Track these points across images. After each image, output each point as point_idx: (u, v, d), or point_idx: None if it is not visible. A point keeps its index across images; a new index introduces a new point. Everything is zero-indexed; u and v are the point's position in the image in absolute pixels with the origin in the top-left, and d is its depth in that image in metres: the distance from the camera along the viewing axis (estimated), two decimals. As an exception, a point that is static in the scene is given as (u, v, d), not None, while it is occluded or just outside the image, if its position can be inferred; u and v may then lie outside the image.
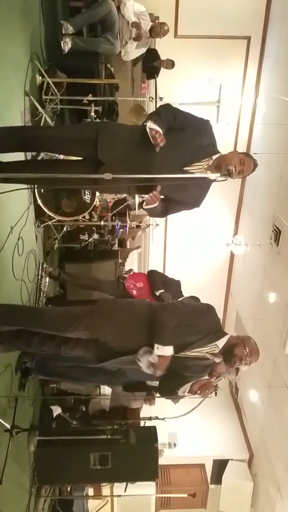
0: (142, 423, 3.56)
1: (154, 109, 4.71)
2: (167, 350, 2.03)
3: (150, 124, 2.02)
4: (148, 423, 3.34)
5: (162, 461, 3.63)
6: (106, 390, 3.77)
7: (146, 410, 3.75)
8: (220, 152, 2.19)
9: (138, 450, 3.31)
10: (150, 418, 3.02)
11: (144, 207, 2.19)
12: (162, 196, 2.14)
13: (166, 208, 2.30)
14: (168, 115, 2.09)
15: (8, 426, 2.49)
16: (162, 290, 3.34)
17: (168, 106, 2.15)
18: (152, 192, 2.07)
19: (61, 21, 3.83)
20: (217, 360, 2.21)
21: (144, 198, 2.18)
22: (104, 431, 3.19)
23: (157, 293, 3.33)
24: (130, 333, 2.14)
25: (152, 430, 3.40)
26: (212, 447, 6.47)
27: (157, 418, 3.12)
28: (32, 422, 3.20)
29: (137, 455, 3.30)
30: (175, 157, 2.11)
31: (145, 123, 2.04)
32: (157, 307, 2.24)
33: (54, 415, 3.44)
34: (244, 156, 2.15)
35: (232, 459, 6.42)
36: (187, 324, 2.13)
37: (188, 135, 2.12)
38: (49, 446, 3.17)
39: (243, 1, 5.86)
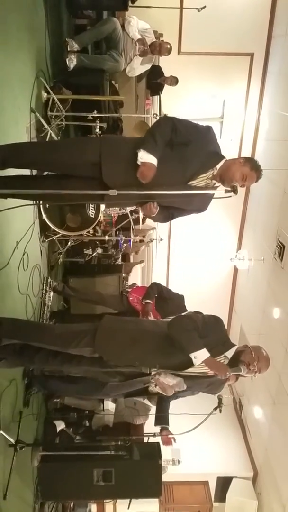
0: (145, 439, 3.52)
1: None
2: (203, 354, 1.98)
3: (141, 155, 1.97)
4: (152, 439, 3.30)
5: (165, 477, 3.57)
6: (109, 405, 3.74)
7: (149, 426, 3.72)
8: (224, 157, 2.15)
9: (141, 466, 3.27)
10: (154, 435, 2.99)
11: (141, 211, 2.20)
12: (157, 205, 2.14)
13: (172, 214, 2.29)
14: (166, 133, 2.03)
15: (12, 441, 2.48)
16: (149, 301, 3.35)
17: (166, 121, 2.08)
18: (149, 203, 2.06)
19: (66, 38, 3.91)
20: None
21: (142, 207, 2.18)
22: (107, 447, 3.16)
23: (143, 302, 3.34)
24: (137, 351, 2.11)
25: (156, 447, 3.36)
26: (216, 464, 6.37)
27: (160, 434, 3.08)
28: (35, 437, 3.18)
29: (140, 472, 3.26)
30: (179, 173, 2.08)
31: (138, 151, 1.99)
32: (168, 322, 2.19)
33: (58, 430, 3.42)
34: (248, 171, 2.10)
35: (236, 477, 6.31)
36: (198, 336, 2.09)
37: (192, 150, 2.07)
38: (52, 462, 3.14)
39: (246, 18, 5.97)
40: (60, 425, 3.45)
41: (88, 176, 2.11)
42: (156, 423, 2.95)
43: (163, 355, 2.10)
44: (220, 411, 2.64)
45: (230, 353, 2.15)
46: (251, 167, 2.11)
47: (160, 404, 2.84)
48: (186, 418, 2.82)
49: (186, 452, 5.86)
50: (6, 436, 2.42)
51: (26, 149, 2.32)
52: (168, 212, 2.27)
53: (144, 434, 3.60)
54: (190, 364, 2.04)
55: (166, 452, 3.62)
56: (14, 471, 2.50)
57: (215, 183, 2.18)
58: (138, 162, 1.99)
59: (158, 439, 3.24)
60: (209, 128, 2.16)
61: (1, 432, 2.35)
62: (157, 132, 2.04)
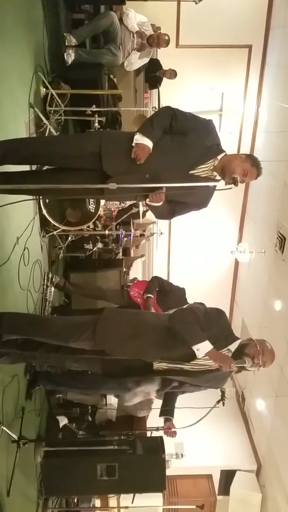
0: (148, 433, 3.53)
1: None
2: (206, 346, 1.96)
3: (137, 137, 2.04)
4: (155, 434, 3.31)
5: (169, 471, 3.58)
6: (112, 400, 3.75)
7: (152, 420, 3.72)
8: (225, 151, 2.17)
9: (145, 460, 3.28)
10: (157, 429, 2.99)
11: (147, 202, 2.19)
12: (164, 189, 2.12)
13: (174, 209, 2.30)
14: (164, 121, 2.08)
15: (15, 437, 2.48)
16: (150, 295, 3.34)
17: (166, 110, 2.12)
18: (157, 192, 2.07)
19: (64, 33, 3.88)
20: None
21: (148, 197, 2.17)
22: (111, 441, 3.17)
23: (144, 296, 3.33)
24: (138, 343, 2.09)
25: (159, 441, 3.36)
26: (220, 457, 6.40)
27: (163, 428, 3.08)
28: (38, 433, 3.18)
29: (144, 466, 3.26)
30: (180, 162, 2.10)
31: (134, 134, 2.05)
32: (169, 315, 2.18)
33: (61, 426, 3.42)
34: (249, 168, 2.11)
35: (240, 470, 6.34)
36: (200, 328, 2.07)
37: (191, 138, 2.11)
38: (55, 457, 3.14)
39: (244, 10, 5.93)
40: (63, 421, 3.45)
41: (88, 167, 2.11)
42: (161, 415, 2.94)
43: (165, 348, 2.08)
44: (223, 404, 2.64)
45: (233, 347, 2.13)
46: (252, 164, 2.13)
47: (167, 398, 2.83)
48: (189, 412, 2.82)
49: (190, 445, 5.89)
50: (9, 432, 2.42)
51: (26, 143, 2.31)
52: (170, 206, 2.26)
53: (148, 428, 3.60)
54: (193, 356, 2.02)
55: (169, 446, 3.63)
56: (17, 467, 2.50)
57: (216, 175, 2.17)
58: (133, 144, 2.04)
59: (161, 433, 3.25)
60: (209, 121, 2.18)
61: (4, 428, 2.35)
62: (155, 119, 2.10)
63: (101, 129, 3.86)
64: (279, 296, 5.62)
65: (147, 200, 2.15)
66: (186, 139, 2.10)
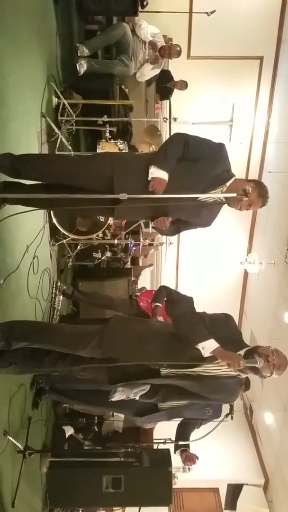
0: (155, 445, 3.48)
1: (167, 130, 4.80)
2: (211, 344, 1.90)
3: (152, 171, 2.03)
4: (162, 446, 3.26)
5: (175, 484, 3.53)
6: (119, 411, 3.71)
7: (159, 432, 3.68)
8: (234, 176, 2.19)
9: (151, 473, 3.23)
10: (164, 442, 2.95)
11: (153, 226, 2.21)
12: (170, 219, 2.17)
13: (179, 228, 2.33)
14: (178, 149, 2.08)
15: (21, 447, 2.46)
16: (158, 304, 3.30)
17: (180, 137, 2.12)
18: (163, 218, 2.10)
19: (76, 44, 3.94)
20: (244, 375, 2.06)
21: (154, 221, 2.20)
22: (117, 453, 3.13)
23: (152, 305, 3.29)
24: (145, 349, 2.06)
25: (166, 453, 3.31)
26: (227, 471, 6.29)
27: (171, 441, 3.04)
28: (44, 443, 3.16)
29: (150, 479, 3.21)
30: (189, 189, 2.10)
31: (149, 167, 2.05)
32: (173, 319, 2.17)
33: (67, 436, 3.40)
34: (255, 198, 2.12)
35: (247, 484, 6.21)
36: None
37: (202, 166, 2.11)
38: (61, 468, 3.11)
39: (255, 22, 5.95)
40: (69, 431, 3.42)
41: (99, 190, 2.11)
42: (176, 450, 2.84)
43: (172, 352, 2.04)
44: (232, 418, 2.60)
45: (243, 352, 2.03)
46: (259, 194, 2.14)
47: (180, 432, 2.73)
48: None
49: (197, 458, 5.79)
50: (15, 443, 2.40)
51: (41, 163, 2.33)
52: (175, 226, 2.31)
53: (154, 441, 3.55)
54: (201, 360, 1.97)
55: (176, 459, 3.57)
56: (22, 477, 2.48)
57: (223, 200, 2.19)
58: (149, 178, 2.04)
59: (168, 446, 3.19)
60: (221, 146, 2.18)
61: (10, 438, 2.34)
62: (169, 148, 2.10)
63: (112, 139, 3.89)
64: (289, 308, 5.56)
65: (153, 223, 2.17)
66: (197, 167, 2.11)
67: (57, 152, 3.43)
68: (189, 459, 2.61)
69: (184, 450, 2.73)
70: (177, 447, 2.76)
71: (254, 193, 2.12)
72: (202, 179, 2.12)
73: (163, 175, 2.04)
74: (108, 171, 2.10)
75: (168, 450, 3.33)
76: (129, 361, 2.07)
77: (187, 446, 2.77)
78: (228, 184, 2.16)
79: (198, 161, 2.11)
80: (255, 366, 1.90)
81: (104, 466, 3.16)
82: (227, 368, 2.00)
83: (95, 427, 3.67)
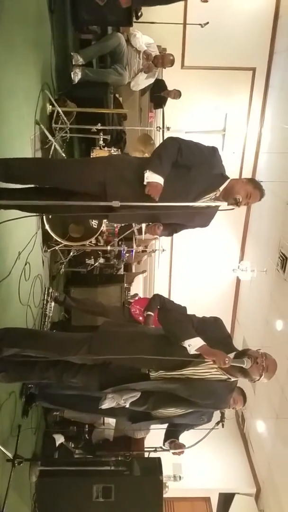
0: (146, 454, 3.46)
1: (161, 139, 4.85)
2: (197, 341, 1.91)
3: (148, 175, 2.02)
4: (153, 454, 3.24)
5: (166, 493, 3.50)
6: (110, 419, 3.68)
7: (150, 440, 3.66)
8: (228, 178, 2.18)
9: (142, 482, 3.20)
10: (155, 450, 2.92)
11: (146, 231, 2.23)
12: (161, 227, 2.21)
13: (175, 228, 2.33)
14: (172, 154, 2.07)
15: (10, 455, 2.43)
16: (150, 313, 3.30)
17: (173, 142, 2.11)
18: (154, 225, 2.13)
19: (71, 53, 3.97)
20: (234, 378, 2.06)
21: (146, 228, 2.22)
22: (107, 462, 3.09)
23: (145, 314, 3.29)
24: (135, 348, 2.06)
25: (157, 462, 3.30)
26: (218, 479, 6.26)
27: (162, 449, 3.02)
28: (34, 451, 3.12)
29: (141, 488, 3.19)
30: (182, 195, 2.11)
31: (144, 172, 2.04)
32: (160, 318, 2.19)
33: (57, 444, 3.36)
34: (252, 190, 2.13)
35: (238, 493, 6.18)
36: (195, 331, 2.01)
37: (195, 173, 2.11)
38: (51, 477, 3.07)
39: (248, 34, 6.07)
40: (60, 439, 3.39)
41: (93, 194, 2.13)
42: (165, 441, 2.84)
43: (161, 354, 2.03)
44: (223, 425, 2.59)
45: (233, 355, 2.04)
46: (254, 186, 2.16)
47: (170, 431, 2.74)
48: (187, 433, 2.77)
49: (188, 467, 5.77)
50: (4, 451, 2.37)
51: (33, 166, 2.33)
52: (171, 227, 2.31)
53: (145, 449, 3.53)
54: (188, 362, 1.98)
55: (167, 468, 3.55)
56: (11, 487, 2.45)
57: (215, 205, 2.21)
58: (145, 183, 2.03)
59: (159, 454, 3.17)
60: (214, 150, 2.19)
61: (-1, 446, 2.31)
62: (163, 153, 2.08)
63: (106, 147, 3.91)
64: (281, 315, 5.58)
65: (145, 230, 2.19)
66: (190, 173, 2.10)
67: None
68: (178, 446, 2.60)
69: (172, 441, 2.75)
70: (166, 440, 2.78)
71: (249, 186, 2.13)
72: (195, 186, 2.12)
73: (159, 179, 2.03)
74: (101, 177, 2.10)
75: (159, 458, 3.31)
76: (119, 361, 2.06)
77: (176, 435, 2.78)
78: (221, 188, 2.16)
79: (191, 168, 2.10)
80: (242, 366, 1.91)
81: (94, 475, 3.13)
82: (216, 371, 2.03)
83: (86, 435, 3.64)
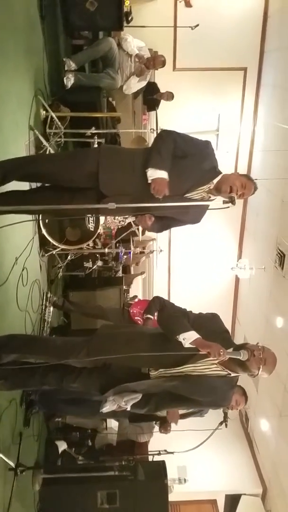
0: (150, 458, 3.43)
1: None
2: (191, 334, 1.91)
3: (151, 173, 2.00)
4: (157, 458, 3.22)
5: (172, 497, 3.47)
6: (112, 424, 3.66)
7: (154, 443, 3.63)
8: (221, 172, 2.19)
9: (147, 487, 3.18)
10: (159, 453, 2.91)
11: (134, 222, 2.21)
12: (153, 218, 2.16)
13: (167, 224, 2.31)
14: (170, 146, 2.08)
15: (12, 464, 2.40)
16: (150, 316, 3.29)
17: (168, 134, 2.12)
18: (144, 215, 2.09)
19: (63, 58, 3.98)
20: (234, 374, 2.05)
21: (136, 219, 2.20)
22: (111, 467, 3.08)
23: (144, 316, 3.28)
24: (134, 346, 2.05)
25: (161, 465, 3.27)
26: (224, 481, 6.21)
27: (166, 452, 3.01)
28: (36, 459, 3.09)
29: (146, 493, 3.16)
30: (176, 185, 2.10)
31: (146, 170, 2.02)
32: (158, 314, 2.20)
33: (60, 451, 3.34)
34: (246, 180, 2.15)
35: (245, 494, 6.14)
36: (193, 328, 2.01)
37: (188, 163, 2.12)
38: (54, 485, 3.05)
39: (238, 34, 6.10)
40: (62, 446, 3.36)
41: (85, 186, 2.13)
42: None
43: (159, 350, 2.02)
44: (226, 425, 2.58)
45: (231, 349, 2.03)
46: (248, 178, 2.18)
47: None
48: (191, 435, 2.76)
49: (192, 468, 5.73)
50: (6, 460, 2.35)
51: (26, 162, 2.33)
52: (163, 222, 2.29)
53: (149, 453, 3.51)
54: (187, 358, 1.97)
55: (172, 471, 3.53)
56: (14, 496, 2.42)
57: (210, 197, 2.21)
58: (149, 181, 2.02)
59: (163, 457, 3.15)
60: (207, 143, 2.20)
61: (1, 455, 2.29)
62: (162, 146, 2.08)
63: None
64: (281, 313, 5.57)
65: (135, 220, 2.16)
66: (184, 163, 2.11)
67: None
68: (172, 417, 2.55)
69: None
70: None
71: (243, 177, 2.15)
72: (189, 176, 2.12)
73: (163, 174, 2.01)
74: (93, 168, 2.08)
75: (163, 461, 3.29)
76: (117, 360, 2.04)
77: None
78: (215, 181, 2.16)
79: (185, 158, 2.11)
80: (239, 358, 1.91)
81: (98, 481, 3.11)
82: (216, 367, 2.02)
83: (89, 441, 3.61)
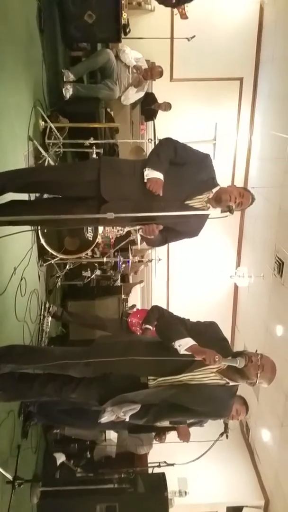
0: (150, 469, 3.39)
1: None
2: (187, 341, 1.93)
3: (147, 172, 2.08)
4: (157, 470, 3.18)
5: (172, 510, 3.42)
6: (111, 435, 3.62)
7: (154, 455, 3.59)
8: (219, 185, 2.25)
9: (146, 499, 3.13)
10: (159, 465, 2.87)
11: (141, 234, 2.22)
12: (161, 227, 2.18)
13: (166, 237, 2.34)
14: (168, 152, 2.15)
15: (10, 477, 2.37)
16: (148, 326, 3.27)
17: (169, 141, 2.19)
18: (152, 224, 2.12)
19: (62, 69, 4.03)
20: (233, 383, 2.03)
21: (142, 228, 2.21)
22: (110, 479, 3.04)
23: (143, 326, 3.26)
24: (132, 353, 2.05)
25: (161, 477, 3.23)
26: (225, 492, 6.12)
27: (166, 464, 2.97)
28: (35, 472, 3.05)
29: (146, 505, 3.12)
30: (176, 191, 2.16)
31: (144, 170, 2.11)
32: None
33: (58, 463, 3.29)
34: (243, 190, 2.23)
35: (246, 506, 6.05)
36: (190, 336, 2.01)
37: (188, 170, 2.18)
38: (53, 498, 3.00)
39: (234, 45, 6.19)
40: (61, 458, 3.32)
41: (85, 195, 2.15)
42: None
43: (156, 364, 2.03)
44: (227, 436, 2.55)
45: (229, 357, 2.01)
46: (245, 189, 2.27)
47: None
48: (191, 446, 2.72)
49: (193, 480, 5.65)
50: (4, 473, 2.31)
51: (25, 171, 2.35)
52: (162, 235, 2.31)
53: (149, 465, 3.46)
54: (185, 367, 1.97)
55: (172, 483, 3.48)
56: (12, 509, 2.38)
57: (209, 207, 2.25)
58: (145, 180, 2.08)
59: (163, 469, 3.11)
60: (207, 155, 2.27)
61: (-1, 467, 2.26)
62: (160, 150, 2.16)
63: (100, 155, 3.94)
64: (280, 321, 5.55)
65: (140, 231, 2.18)
66: (183, 170, 2.17)
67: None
68: (183, 435, 2.50)
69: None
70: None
71: (240, 188, 2.23)
72: (188, 183, 2.18)
73: (158, 175, 2.08)
74: (94, 175, 2.14)
75: (163, 474, 3.25)
76: (115, 369, 2.05)
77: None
78: (214, 190, 2.22)
79: (184, 165, 2.18)
80: (236, 365, 1.89)
81: (97, 494, 3.06)
82: (215, 375, 2.01)
83: (87, 453, 3.57)
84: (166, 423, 2.36)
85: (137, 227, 2.29)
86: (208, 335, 2.08)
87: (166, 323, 2.16)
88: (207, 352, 1.86)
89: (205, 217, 2.26)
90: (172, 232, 2.30)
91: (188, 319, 2.21)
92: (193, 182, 2.18)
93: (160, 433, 2.70)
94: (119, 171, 2.18)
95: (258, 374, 1.93)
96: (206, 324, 2.17)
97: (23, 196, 2.45)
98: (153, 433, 3.28)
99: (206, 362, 1.86)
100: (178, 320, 2.18)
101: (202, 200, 2.21)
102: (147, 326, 3.23)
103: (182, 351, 1.91)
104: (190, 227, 2.28)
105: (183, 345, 1.91)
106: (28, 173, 2.33)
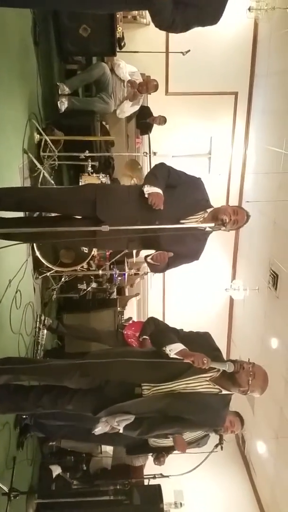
0: (145, 481, 3.37)
1: (148, 164, 4.95)
2: (177, 346, 1.99)
3: (147, 189, 2.18)
4: (152, 482, 3.16)
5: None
6: (107, 448, 3.60)
7: (150, 467, 3.57)
8: (213, 207, 2.32)
9: (142, 511, 3.12)
10: (154, 477, 2.86)
11: (149, 260, 2.27)
12: (171, 254, 2.26)
13: (168, 263, 2.38)
14: (164, 173, 2.26)
15: (6, 489, 2.36)
16: (146, 337, 3.30)
17: (162, 165, 2.32)
18: (163, 252, 2.21)
19: (57, 82, 4.09)
20: (225, 391, 2.07)
21: (152, 254, 2.27)
22: (106, 491, 3.02)
23: (140, 338, 3.29)
24: (124, 364, 2.10)
25: (157, 489, 3.21)
26: (221, 505, 6.07)
27: (162, 476, 2.96)
28: (30, 484, 3.03)
29: (141, 518, 3.10)
30: (170, 212, 2.22)
31: (143, 188, 2.20)
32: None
33: (54, 476, 3.27)
34: (237, 208, 2.31)
35: (243, 518, 6.01)
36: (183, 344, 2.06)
37: (180, 190, 2.28)
38: (49, 510, 2.98)
39: (229, 59, 6.30)
40: (56, 470, 3.30)
41: (82, 215, 2.21)
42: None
43: (150, 368, 2.09)
44: (222, 448, 2.55)
45: (223, 366, 2.03)
46: (239, 207, 2.37)
47: None
48: (187, 459, 2.72)
49: (189, 493, 5.60)
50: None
51: (21, 188, 2.40)
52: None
53: (145, 477, 3.45)
54: (178, 375, 2.02)
55: (168, 495, 3.46)
56: (7, 522, 2.37)
57: (205, 228, 2.30)
58: (146, 195, 2.17)
59: (159, 481, 3.10)
60: (198, 178, 2.38)
61: (-6, 480, 2.25)
62: (157, 171, 2.28)
63: (94, 173, 3.99)
64: (276, 334, 5.58)
65: (149, 258, 2.26)
66: (176, 191, 2.27)
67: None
68: (180, 445, 2.50)
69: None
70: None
71: (234, 206, 2.32)
72: (181, 203, 2.26)
73: (157, 190, 2.18)
74: (91, 196, 2.22)
75: (159, 485, 3.24)
76: (110, 376, 2.09)
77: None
78: (208, 210, 2.29)
79: (177, 187, 2.27)
80: (225, 369, 1.96)
81: (93, 506, 3.05)
82: (208, 384, 2.05)
83: (83, 465, 3.54)
84: (164, 443, 2.35)
85: (147, 256, 2.34)
86: (200, 344, 2.13)
87: (159, 331, 2.26)
88: (195, 355, 1.93)
89: (204, 239, 2.33)
90: (173, 257, 2.34)
91: (182, 329, 2.27)
92: (186, 202, 2.26)
93: (159, 455, 2.68)
94: (115, 194, 2.28)
95: (250, 381, 2.00)
96: (200, 334, 2.24)
97: (18, 214, 2.50)
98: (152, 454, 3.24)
99: (194, 365, 1.92)
100: (172, 329, 2.24)
101: (197, 220, 2.27)
102: (144, 337, 3.26)
103: (172, 355, 1.99)
104: (188, 249, 2.33)
105: (173, 349, 1.99)
106: (24, 189, 2.42)
